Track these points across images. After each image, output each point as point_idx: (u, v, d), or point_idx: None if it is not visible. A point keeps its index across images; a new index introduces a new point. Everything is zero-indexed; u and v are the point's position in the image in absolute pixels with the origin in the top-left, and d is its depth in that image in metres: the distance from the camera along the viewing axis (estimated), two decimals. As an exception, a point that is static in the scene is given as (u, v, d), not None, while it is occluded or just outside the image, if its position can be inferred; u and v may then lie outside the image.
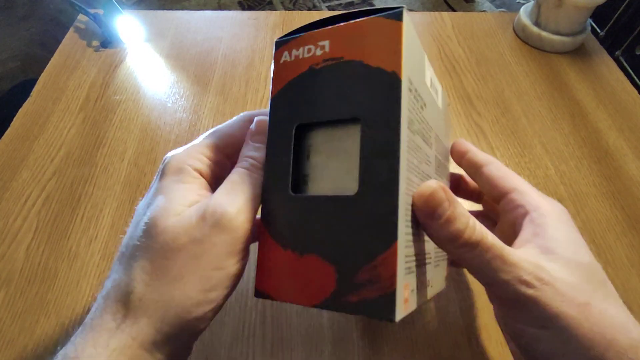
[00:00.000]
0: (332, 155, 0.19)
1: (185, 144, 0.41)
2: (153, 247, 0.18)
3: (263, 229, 0.19)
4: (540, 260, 0.19)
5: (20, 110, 0.44)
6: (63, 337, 0.30)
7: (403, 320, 0.31)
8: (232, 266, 0.19)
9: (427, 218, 0.17)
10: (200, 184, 0.20)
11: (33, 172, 0.39)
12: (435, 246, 0.21)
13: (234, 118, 0.23)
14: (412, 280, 0.17)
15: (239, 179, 0.20)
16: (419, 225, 0.18)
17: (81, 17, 0.54)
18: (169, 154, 0.21)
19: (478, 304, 0.32)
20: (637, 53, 0.88)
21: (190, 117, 0.45)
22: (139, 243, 0.19)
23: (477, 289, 0.33)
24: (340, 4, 1.79)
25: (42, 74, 0.48)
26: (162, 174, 0.20)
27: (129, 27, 0.51)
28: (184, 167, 0.20)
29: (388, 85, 0.17)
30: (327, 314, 0.31)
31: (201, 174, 0.21)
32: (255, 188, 0.20)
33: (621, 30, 0.92)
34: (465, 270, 0.34)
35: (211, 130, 0.23)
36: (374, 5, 1.78)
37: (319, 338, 0.30)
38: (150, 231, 0.18)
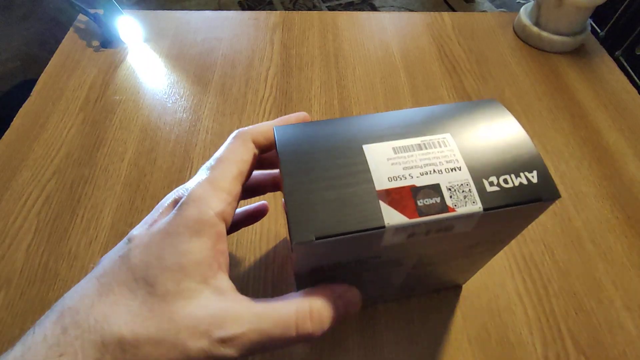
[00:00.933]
0: None
1: (185, 144, 0.42)
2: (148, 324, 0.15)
3: None
4: None
5: (20, 110, 0.44)
6: (63, 337, 0.30)
7: (403, 320, 0.31)
8: None
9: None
10: (218, 236, 0.18)
11: (33, 172, 0.39)
12: None
13: (233, 141, 0.20)
14: None
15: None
16: None
17: (81, 17, 0.54)
18: (189, 189, 0.18)
19: (478, 304, 0.32)
20: (637, 53, 0.88)
21: (190, 117, 0.45)
22: (137, 306, 0.16)
23: (477, 289, 0.33)
24: (340, 4, 1.79)
25: (42, 74, 0.48)
26: (179, 215, 0.17)
27: (129, 27, 0.51)
28: (204, 213, 0.17)
29: None
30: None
31: (223, 217, 0.18)
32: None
33: (621, 30, 0.92)
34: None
35: (218, 158, 0.20)
36: (374, 6, 1.77)
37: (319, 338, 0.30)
38: (154, 305, 0.16)
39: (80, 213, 0.37)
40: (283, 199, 0.18)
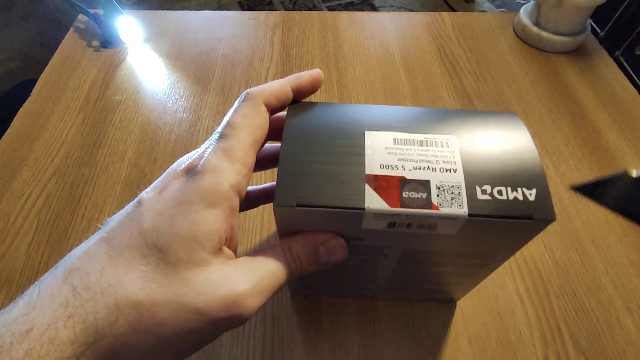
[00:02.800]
0: None
1: (185, 144, 0.42)
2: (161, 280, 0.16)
3: None
4: None
5: (20, 110, 0.44)
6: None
7: (403, 320, 0.31)
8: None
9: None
10: (231, 210, 0.18)
11: (33, 171, 0.39)
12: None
13: (244, 104, 0.19)
14: None
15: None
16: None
17: (81, 17, 0.54)
18: (203, 158, 0.18)
19: (477, 304, 0.32)
20: (637, 53, 0.88)
21: (190, 117, 0.45)
22: (144, 269, 0.16)
23: (476, 289, 0.33)
24: (340, 4, 1.79)
25: (42, 74, 0.48)
26: (193, 184, 0.17)
27: (129, 27, 0.51)
28: (219, 185, 0.17)
29: None
30: (327, 313, 0.31)
31: (238, 190, 0.18)
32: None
33: (621, 30, 0.92)
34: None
35: (229, 123, 0.18)
36: (374, 6, 1.77)
37: (319, 337, 0.30)
38: (169, 272, 0.16)
39: (80, 212, 0.37)
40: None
